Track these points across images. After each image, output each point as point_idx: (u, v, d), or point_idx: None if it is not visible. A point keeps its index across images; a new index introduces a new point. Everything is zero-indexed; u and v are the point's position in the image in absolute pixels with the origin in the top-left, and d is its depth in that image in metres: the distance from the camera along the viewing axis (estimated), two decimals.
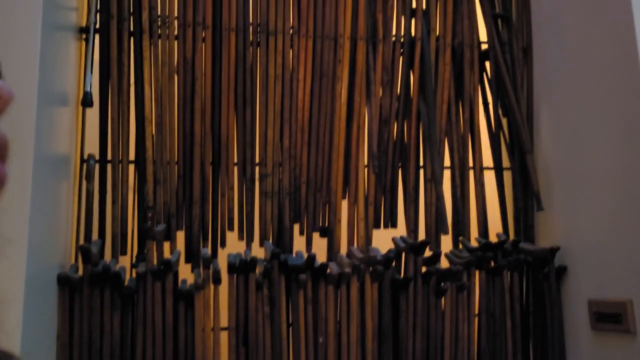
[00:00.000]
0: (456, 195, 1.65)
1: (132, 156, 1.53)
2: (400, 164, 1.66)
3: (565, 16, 1.56)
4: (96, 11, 1.53)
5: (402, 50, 1.68)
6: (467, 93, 1.68)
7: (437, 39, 1.69)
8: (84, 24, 1.56)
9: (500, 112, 1.71)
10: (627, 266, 1.32)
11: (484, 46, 1.73)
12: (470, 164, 1.67)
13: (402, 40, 1.68)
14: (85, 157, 1.52)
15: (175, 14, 1.57)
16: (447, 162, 1.67)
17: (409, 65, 1.67)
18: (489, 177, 1.69)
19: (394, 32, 1.68)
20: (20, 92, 1.17)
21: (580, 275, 1.49)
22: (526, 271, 1.58)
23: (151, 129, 1.53)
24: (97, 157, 1.52)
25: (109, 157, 1.52)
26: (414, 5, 1.70)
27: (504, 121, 1.72)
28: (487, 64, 1.73)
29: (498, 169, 1.69)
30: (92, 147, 1.53)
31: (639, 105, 1.28)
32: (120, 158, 1.51)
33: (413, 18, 1.69)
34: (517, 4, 1.74)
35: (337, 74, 1.62)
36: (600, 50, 1.41)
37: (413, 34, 1.69)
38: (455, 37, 1.69)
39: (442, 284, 1.50)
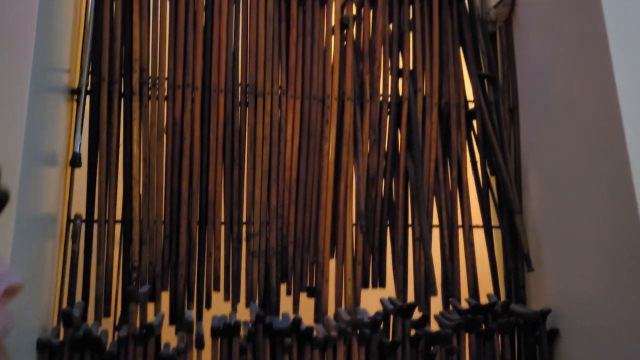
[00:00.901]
0: (445, 255, 1.63)
1: (118, 216, 1.53)
2: (388, 223, 1.65)
3: (550, 78, 1.58)
4: (88, 73, 1.56)
5: (389, 109, 1.70)
6: (454, 152, 1.69)
7: (424, 98, 1.71)
8: (76, 85, 1.58)
9: (488, 170, 1.71)
10: (621, 330, 1.28)
11: (471, 105, 1.75)
12: (459, 222, 1.67)
13: (389, 100, 1.70)
14: (72, 216, 1.52)
15: (166, 75, 1.60)
16: (435, 220, 1.66)
17: (396, 125, 1.69)
18: (479, 236, 1.68)
19: (381, 92, 1.70)
20: (5, 151, 1.18)
21: (573, 338, 1.46)
22: (517, 334, 1.54)
23: (138, 188, 1.53)
24: (84, 217, 1.52)
25: (96, 216, 1.51)
26: (400, 65, 1.73)
27: (493, 180, 1.72)
28: (475, 123, 1.74)
29: (487, 227, 1.68)
30: (80, 206, 1.53)
31: (623, 165, 1.28)
32: (107, 218, 1.51)
33: (400, 78, 1.72)
34: (502, 65, 1.77)
35: (324, 134, 1.64)
36: (584, 111, 1.43)
37: (400, 93, 1.71)
38: (442, 97, 1.72)
39: (432, 348, 1.46)
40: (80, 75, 1.57)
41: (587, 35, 1.41)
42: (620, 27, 1.34)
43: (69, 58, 1.56)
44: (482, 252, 1.68)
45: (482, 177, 1.71)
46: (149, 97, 1.57)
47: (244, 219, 1.58)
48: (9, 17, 1.24)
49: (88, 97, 1.55)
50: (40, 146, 1.35)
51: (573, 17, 1.47)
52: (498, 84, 1.75)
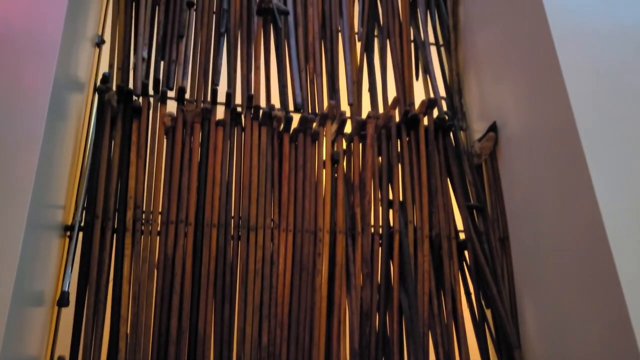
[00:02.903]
0: None
1: (104, 357, 1.47)
2: None
3: (537, 206, 1.61)
4: (82, 209, 1.58)
5: (381, 241, 1.71)
6: (447, 283, 1.68)
7: (415, 230, 1.72)
8: (69, 222, 1.60)
9: (483, 303, 1.69)
10: None
11: (462, 235, 1.76)
12: (457, 358, 1.61)
13: (380, 232, 1.72)
14: (55, 359, 1.46)
15: (160, 211, 1.62)
16: (432, 356, 1.61)
17: (388, 256, 1.69)
18: None
19: (372, 224, 1.72)
20: None
21: None
22: None
23: (126, 328, 1.49)
24: (68, 359, 1.46)
25: (80, 358, 1.46)
26: (390, 197, 1.77)
27: (488, 312, 1.69)
28: (466, 254, 1.75)
29: None
30: (64, 347, 1.48)
31: (618, 300, 1.26)
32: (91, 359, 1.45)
33: (390, 210, 1.75)
34: (490, 195, 1.81)
35: (317, 267, 1.63)
36: (573, 240, 1.43)
37: (391, 225, 1.73)
38: (433, 228, 1.74)
39: None
40: (75, 212, 1.59)
41: (568, 165, 1.45)
42: (599, 155, 1.39)
43: (65, 195, 1.59)
44: None
45: (478, 310, 1.68)
46: (142, 233, 1.58)
47: (234, 359, 1.53)
48: (10, 156, 1.28)
49: (80, 234, 1.56)
50: (30, 286, 1.33)
51: (553, 148, 1.53)
52: (487, 214, 1.78)
